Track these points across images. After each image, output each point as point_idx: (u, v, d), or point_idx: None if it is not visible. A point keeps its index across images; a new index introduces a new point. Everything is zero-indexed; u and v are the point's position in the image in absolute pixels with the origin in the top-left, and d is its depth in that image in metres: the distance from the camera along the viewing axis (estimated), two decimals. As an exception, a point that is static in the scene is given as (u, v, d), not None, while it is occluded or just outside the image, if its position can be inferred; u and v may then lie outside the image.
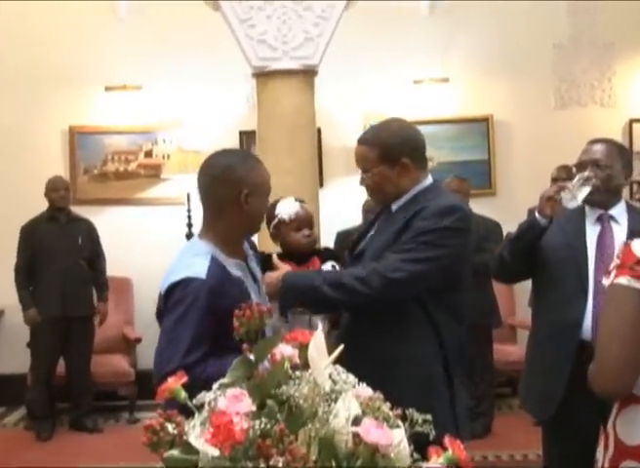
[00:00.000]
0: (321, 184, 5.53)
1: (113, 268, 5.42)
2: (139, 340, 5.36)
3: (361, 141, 2.30)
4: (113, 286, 5.45)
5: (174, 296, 1.90)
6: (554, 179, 4.76)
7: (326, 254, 2.56)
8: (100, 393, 5.35)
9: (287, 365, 1.27)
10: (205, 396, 1.19)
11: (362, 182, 2.32)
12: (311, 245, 2.48)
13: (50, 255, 4.97)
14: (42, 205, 5.11)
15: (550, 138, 5.67)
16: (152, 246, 5.50)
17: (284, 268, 2.34)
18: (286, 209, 2.46)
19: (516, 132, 5.87)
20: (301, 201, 2.53)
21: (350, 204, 5.14)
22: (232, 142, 5.67)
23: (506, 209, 5.43)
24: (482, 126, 5.86)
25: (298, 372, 1.23)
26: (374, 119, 5.78)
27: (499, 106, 5.83)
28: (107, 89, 5.69)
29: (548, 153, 5.32)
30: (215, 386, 1.20)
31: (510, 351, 5.30)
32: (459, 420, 2.13)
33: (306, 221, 2.47)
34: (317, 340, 1.22)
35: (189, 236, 5.20)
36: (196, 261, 1.94)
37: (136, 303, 5.73)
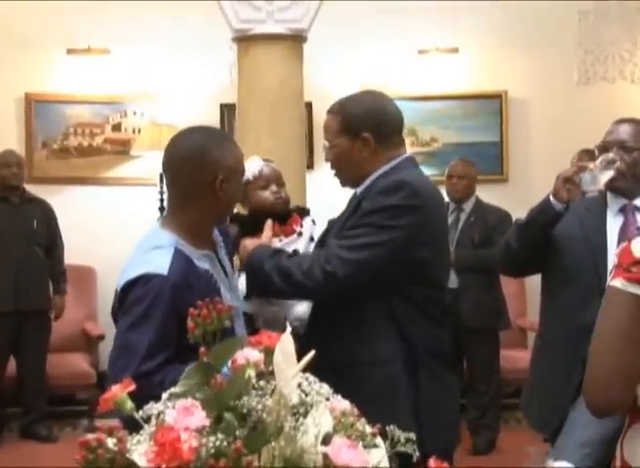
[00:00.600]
0: (311, 166, 5.51)
1: (74, 256, 5.39)
2: (101, 337, 5.34)
3: (328, 110, 2.36)
4: (74, 276, 5.43)
5: (131, 295, 1.88)
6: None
7: (303, 212, 2.59)
8: (55, 397, 5.33)
9: (251, 372, 1.24)
10: (153, 407, 1.16)
11: (326, 157, 2.35)
12: (282, 204, 2.50)
13: (1, 241, 4.92)
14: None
15: (572, 119, 5.65)
16: (119, 231, 5.46)
17: (266, 237, 2.35)
18: (249, 168, 2.46)
19: (533, 110, 5.84)
20: (267, 160, 2.56)
21: (344, 189, 5.09)
22: (212, 116, 5.64)
23: (519, 197, 5.37)
24: (494, 103, 5.83)
25: (262, 382, 1.20)
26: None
27: (514, 81, 5.80)
28: (70, 52, 5.62)
29: (569, 135, 5.30)
30: (164, 396, 1.17)
31: (520, 357, 5.28)
32: (424, 432, 2.05)
33: (273, 178, 2.50)
34: (285, 344, 1.19)
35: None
36: (156, 255, 1.91)
37: (99, 295, 5.71)
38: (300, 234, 2.47)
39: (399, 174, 2.23)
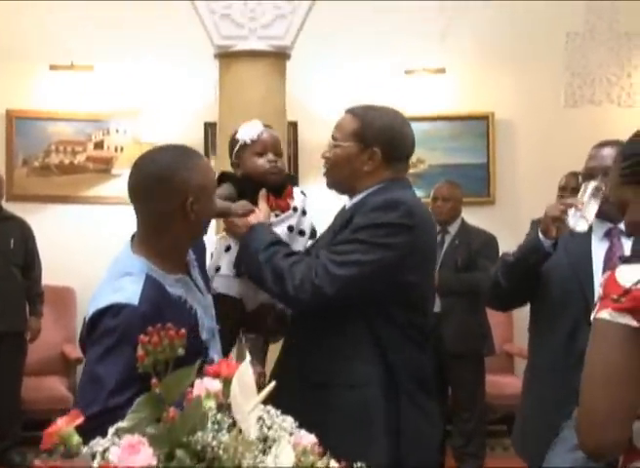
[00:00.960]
0: (296, 186, 5.43)
1: (54, 276, 5.28)
2: (80, 361, 5.19)
3: (348, 110, 2.31)
4: (53, 297, 5.32)
5: (100, 325, 1.80)
6: (562, 188, 4.72)
7: (293, 181, 2.49)
8: (30, 422, 5.16)
9: (211, 404, 1.15)
10: (98, 443, 1.06)
11: (324, 154, 2.30)
12: (277, 174, 2.34)
13: (-24, 261, 4.83)
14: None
15: (559, 141, 5.61)
16: (100, 251, 5.26)
17: (264, 211, 2.25)
18: (247, 131, 2.34)
19: (520, 132, 5.80)
20: (268, 126, 2.42)
21: (330, 209, 5.01)
22: (196, 135, 5.58)
23: (506, 220, 5.38)
24: (481, 124, 5.79)
25: (219, 415, 1.11)
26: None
27: (501, 103, 5.76)
28: (52, 68, 5.55)
29: (556, 158, 5.25)
30: (110, 431, 1.08)
31: (506, 383, 5.23)
32: (405, 460, 2.09)
33: (272, 145, 2.35)
34: (243, 374, 1.10)
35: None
36: (126, 284, 1.84)
37: (78, 317, 5.57)
38: (295, 209, 2.35)
39: (393, 192, 2.19)
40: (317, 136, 5.55)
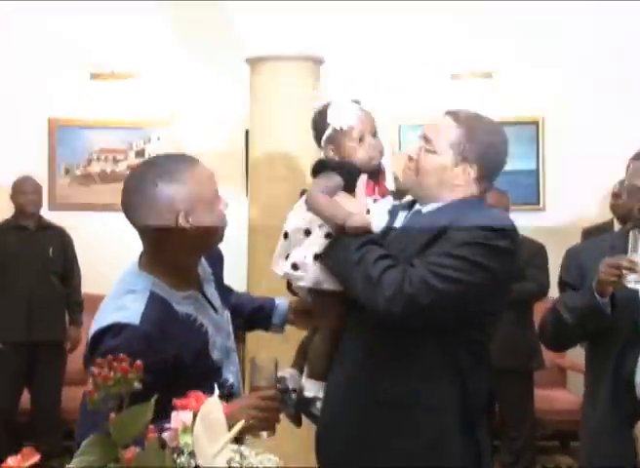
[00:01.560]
0: (335, 195, 5.31)
1: (95, 285, 5.21)
2: (120, 371, 5.16)
3: (451, 113, 2.10)
4: (94, 305, 5.18)
5: (101, 346, 1.73)
6: (616, 195, 4.52)
7: None
8: (70, 432, 5.14)
9: (187, 440, 1.01)
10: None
11: (409, 149, 2.11)
12: (379, 159, 2.14)
13: (14, 269, 4.80)
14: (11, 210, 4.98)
15: (612, 147, 5.37)
16: (142, 260, 5.31)
17: (362, 204, 2.04)
18: (343, 113, 2.10)
19: (571, 137, 5.54)
20: (357, 102, 2.17)
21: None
22: (237, 142, 5.52)
23: (557, 229, 5.19)
24: (531, 129, 5.63)
25: (183, 458, 0.97)
26: (403, 119, 5.56)
27: (551, 107, 5.54)
28: (94, 76, 5.56)
29: (609, 164, 5.03)
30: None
31: (557, 397, 5.03)
32: None
33: (371, 128, 2.13)
34: (210, 411, 0.96)
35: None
36: (129, 302, 1.77)
37: (120, 327, 5.55)
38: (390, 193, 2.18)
39: (481, 211, 2.05)
40: (359, 143, 5.42)
